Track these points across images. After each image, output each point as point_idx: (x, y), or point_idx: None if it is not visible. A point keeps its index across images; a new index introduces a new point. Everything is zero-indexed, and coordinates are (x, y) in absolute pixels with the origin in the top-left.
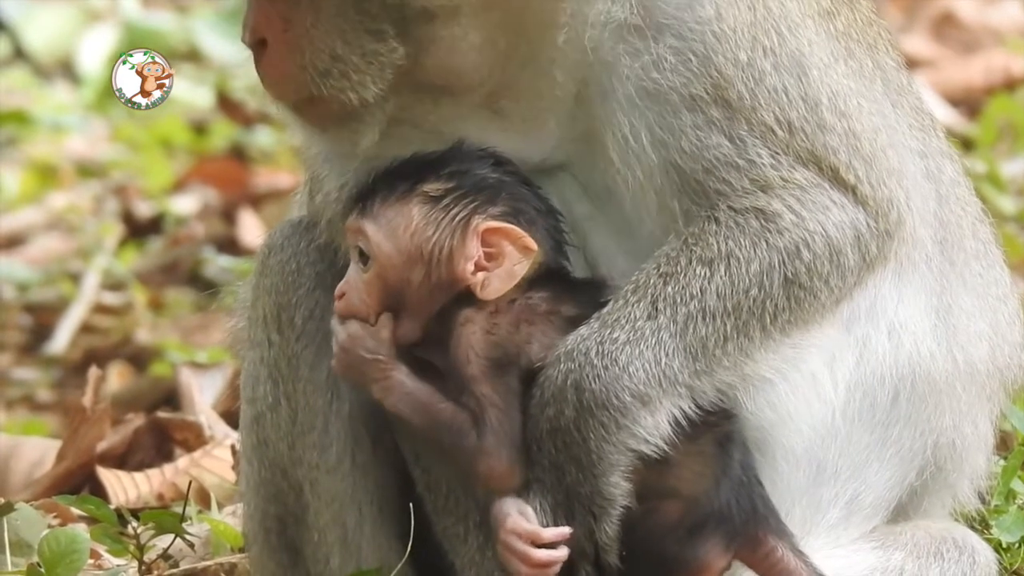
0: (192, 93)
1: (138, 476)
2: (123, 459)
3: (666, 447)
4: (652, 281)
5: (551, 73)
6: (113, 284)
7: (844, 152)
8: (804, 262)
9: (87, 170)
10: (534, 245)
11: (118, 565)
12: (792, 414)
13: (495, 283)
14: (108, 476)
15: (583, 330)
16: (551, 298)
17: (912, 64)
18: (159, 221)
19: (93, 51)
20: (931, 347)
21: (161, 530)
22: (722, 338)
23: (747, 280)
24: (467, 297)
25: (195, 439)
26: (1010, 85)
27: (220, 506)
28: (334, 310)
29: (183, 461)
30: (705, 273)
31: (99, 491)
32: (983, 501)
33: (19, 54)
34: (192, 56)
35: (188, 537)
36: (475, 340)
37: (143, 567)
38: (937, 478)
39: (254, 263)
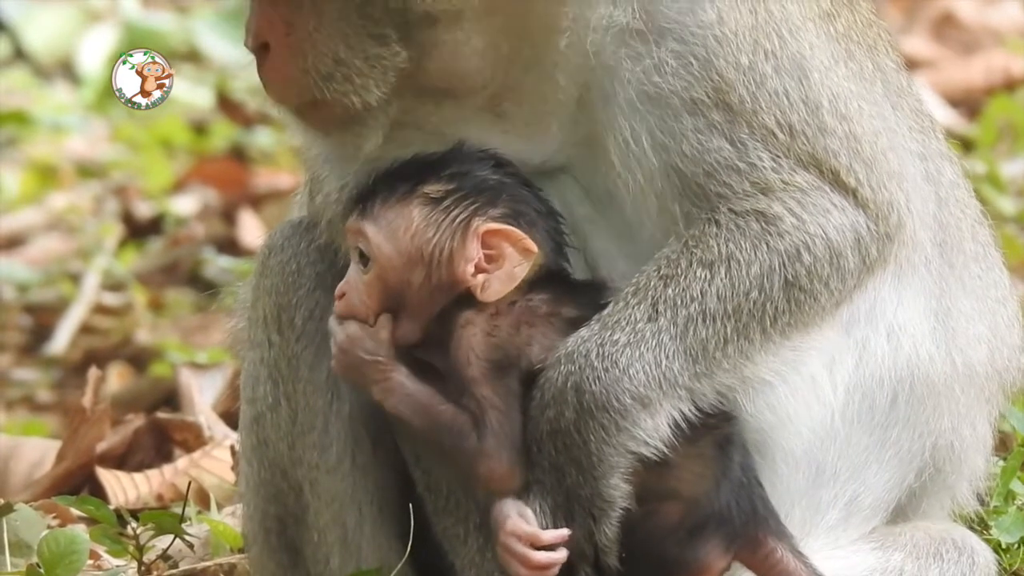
0: (192, 93)
1: (138, 477)
2: (123, 460)
3: (666, 449)
4: (652, 283)
5: (553, 77)
6: (113, 285)
7: (845, 155)
8: (804, 265)
9: (87, 170)
10: (535, 247)
11: (117, 566)
12: (792, 416)
13: (495, 285)
14: (108, 477)
15: (583, 332)
16: (551, 300)
17: (912, 65)
18: (159, 221)
19: (93, 51)
20: (930, 350)
21: (160, 531)
22: (722, 340)
23: (747, 283)
24: (467, 299)
25: (195, 440)
26: (1010, 85)
27: (220, 507)
28: (333, 310)
29: (183, 462)
30: (705, 275)
31: (99, 492)
32: (982, 502)
33: (19, 54)
34: (192, 56)
35: (187, 538)
36: (475, 342)
37: (142, 568)
38: (936, 480)
39: (254, 264)
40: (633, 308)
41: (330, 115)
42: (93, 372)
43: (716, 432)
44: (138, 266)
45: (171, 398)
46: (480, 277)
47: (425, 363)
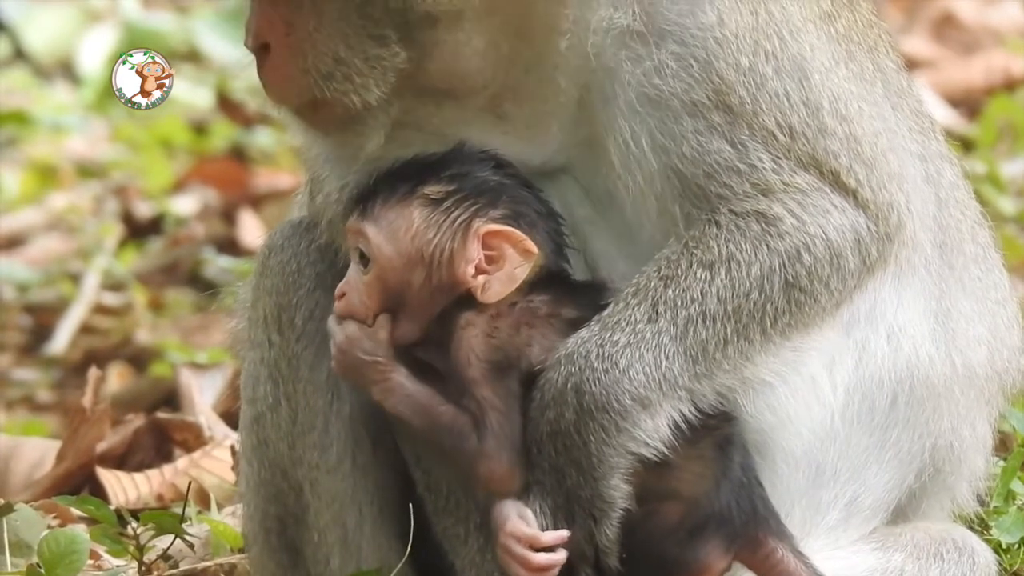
0: (192, 94)
1: (138, 477)
2: (123, 460)
3: (666, 450)
4: (652, 284)
5: (554, 78)
6: (113, 285)
7: (845, 156)
8: (805, 265)
9: (87, 170)
10: (535, 248)
11: (118, 566)
12: (792, 417)
13: (496, 286)
14: (108, 477)
15: (583, 333)
16: (552, 301)
17: (912, 65)
18: (159, 221)
19: (93, 51)
20: (930, 351)
21: (161, 531)
22: (722, 341)
23: (747, 283)
24: (467, 300)
25: (195, 440)
26: (1010, 86)
27: (220, 507)
28: (333, 311)
29: (183, 462)
30: (705, 276)
31: (99, 492)
32: (982, 503)
33: (19, 54)
34: (192, 57)
35: (188, 538)
36: (476, 343)
37: (143, 568)
38: (936, 480)
39: (254, 264)
40: (633, 309)
41: (331, 115)
42: (93, 372)
43: (716, 433)
44: (138, 266)
45: (171, 398)
46: (481, 278)
47: (425, 364)
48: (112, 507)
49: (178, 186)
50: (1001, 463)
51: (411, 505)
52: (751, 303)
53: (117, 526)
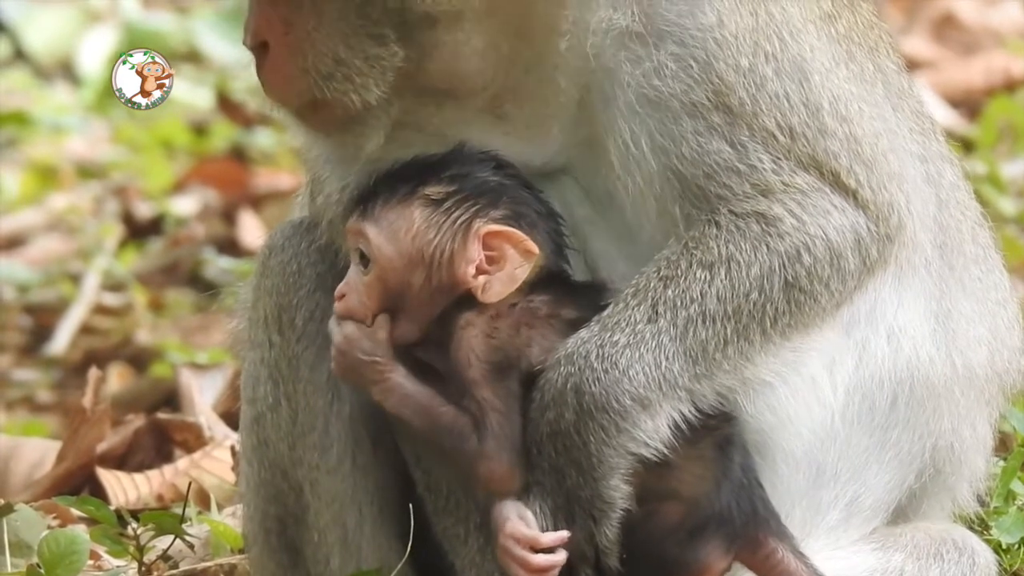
0: (192, 94)
1: (138, 477)
2: (123, 460)
3: (666, 450)
4: (652, 284)
5: (554, 79)
6: (113, 285)
7: (845, 157)
8: (804, 266)
9: (87, 171)
10: (536, 248)
11: (118, 566)
12: (792, 417)
13: (496, 287)
14: (108, 477)
15: (583, 333)
16: (552, 301)
17: (912, 65)
18: (159, 222)
19: (93, 52)
20: (930, 351)
21: (161, 531)
22: (722, 342)
23: (747, 284)
24: (468, 300)
25: (195, 440)
26: (1010, 86)
27: (220, 507)
28: (333, 311)
29: (183, 462)
30: (705, 277)
31: (99, 492)
32: (982, 503)
33: (19, 55)
34: (192, 57)
35: (188, 538)
36: (476, 343)
37: (143, 568)
38: (936, 481)
39: (255, 264)
40: (633, 309)
41: (331, 116)
42: (93, 372)
43: (716, 433)
44: (138, 266)
45: (171, 398)
46: (481, 279)
47: (426, 364)
48: (112, 507)
49: (178, 186)
50: (1001, 463)
51: (411, 505)
52: (751, 303)
53: (117, 526)
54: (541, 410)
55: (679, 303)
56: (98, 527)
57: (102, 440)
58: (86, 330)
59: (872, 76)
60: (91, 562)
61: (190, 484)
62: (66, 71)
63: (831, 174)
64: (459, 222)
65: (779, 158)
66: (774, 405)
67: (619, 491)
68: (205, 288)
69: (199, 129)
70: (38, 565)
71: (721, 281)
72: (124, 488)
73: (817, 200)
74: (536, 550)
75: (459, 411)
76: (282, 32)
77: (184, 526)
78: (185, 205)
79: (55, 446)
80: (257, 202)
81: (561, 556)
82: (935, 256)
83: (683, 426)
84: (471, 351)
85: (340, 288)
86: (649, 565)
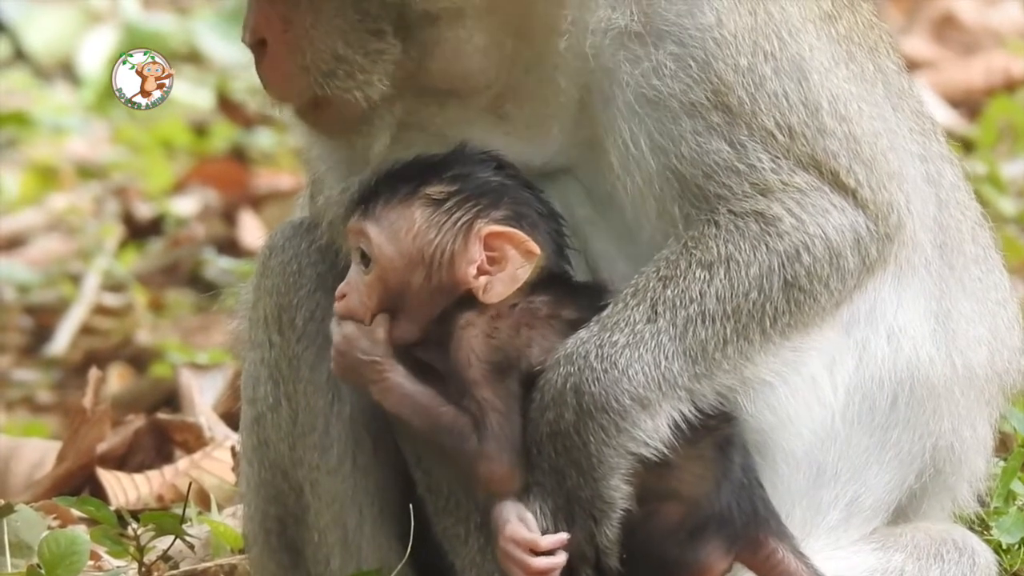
0: (192, 94)
1: (138, 477)
2: (123, 460)
3: (666, 450)
4: (651, 284)
5: (554, 79)
6: (113, 285)
7: (844, 156)
8: (804, 265)
9: (87, 171)
10: (537, 249)
11: (118, 567)
12: (792, 417)
13: (498, 287)
14: (108, 477)
15: (583, 334)
16: (552, 302)
17: (912, 65)
18: (159, 222)
19: (93, 52)
20: (930, 351)
21: (161, 531)
22: (722, 341)
23: (747, 283)
24: (468, 300)
25: (195, 440)
26: (1010, 86)
27: (220, 507)
28: (334, 311)
29: (183, 462)
30: (704, 276)
31: (99, 492)
32: (983, 503)
33: (20, 55)
34: (192, 57)
35: (188, 538)
36: (476, 344)
37: (143, 569)
38: (936, 481)
39: (255, 264)
40: (632, 309)
41: (335, 116)
42: (93, 373)
43: (716, 433)
44: (138, 267)
45: (172, 399)
46: (482, 279)
47: (426, 364)
48: (112, 508)
49: (178, 187)
50: (1001, 464)
51: (411, 506)
52: (750, 303)
53: (117, 527)
54: (541, 410)
55: (678, 303)
56: (98, 527)
57: (102, 440)
58: (86, 330)
59: (872, 76)
60: (91, 562)
61: (190, 484)
62: (66, 71)
63: (830, 173)
64: (460, 222)
65: (778, 157)
66: (774, 405)
67: (619, 491)
68: (205, 288)
69: (199, 129)
70: (38, 565)
71: (720, 281)
72: (124, 488)
73: (816, 199)
74: (536, 553)
75: (459, 411)
76: (280, 29)
77: (184, 526)
78: (185, 205)
79: (55, 446)
80: (257, 202)
81: (561, 558)
82: (935, 256)
83: (683, 426)
84: (471, 351)
85: (341, 288)
86: (649, 565)
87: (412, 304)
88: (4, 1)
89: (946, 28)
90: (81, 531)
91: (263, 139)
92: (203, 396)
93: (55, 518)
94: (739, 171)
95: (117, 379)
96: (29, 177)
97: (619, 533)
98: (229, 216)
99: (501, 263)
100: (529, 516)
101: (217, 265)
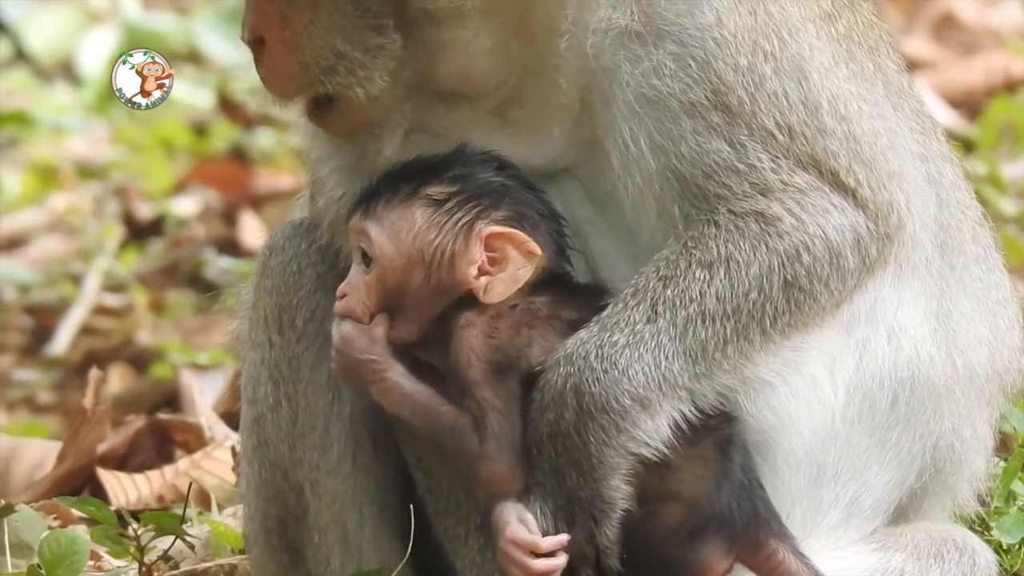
0: (193, 95)
1: (138, 478)
2: (123, 461)
3: (667, 450)
4: (651, 285)
5: (555, 79)
6: (114, 286)
7: (844, 156)
8: (804, 265)
9: (88, 171)
10: (538, 250)
11: (118, 567)
12: (792, 417)
13: (499, 287)
14: (108, 478)
15: (582, 334)
16: (552, 302)
17: (913, 65)
18: (160, 223)
19: (94, 52)
20: (930, 351)
21: (161, 532)
22: (722, 341)
23: (747, 283)
24: (468, 300)
25: (195, 441)
26: (1010, 86)
27: (220, 507)
28: (334, 311)
29: (183, 463)
30: (704, 276)
31: (99, 493)
32: (983, 503)
33: (20, 55)
34: (193, 57)
35: (188, 539)
36: (476, 344)
37: (143, 569)
38: (936, 481)
39: (255, 264)
40: (632, 309)
41: (342, 116)
42: (94, 373)
43: (717, 433)
44: (139, 267)
45: (172, 399)
46: (483, 279)
47: (427, 364)
48: (113, 508)
49: (179, 187)
50: (1002, 464)
51: (412, 506)
52: (750, 303)
53: (118, 527)
54: (541, 411)
55: (678, 303)
56: (99, 528)
57: (103, 441)
58: (87, 331)
59: (872, 75)
60: (91, 563)
61: (191, 485)
62: (66, 71)
63: (830, 173)
64: (461, 223)
65: (778, 157)
66: (774, 405)
67: (619, 491)
68: (206, 289)
69: (199, 129)
70: (39, 566)
71: (720, 281)
72: (125, 489)
73: (816, 199)
74: (537, 554)
75: (459, 411)
76: (279, 26)
77: (185, 527)
78: (186, 206)
79: (56, 447)
80: (258, 203)
81: (562, 559)
82: (935, 255)
83: (683, 426)
84: (471, 351)
85: (341, 287)
86: (650, 566)
87: (412, 304)
88: (4, 1)
89: (946, 28)
90: (81, 531)
91: (263, 139)
92: (203, 396)
93: (55, 518)
94: (739, 171)
95: (117, 379)
96: (29, 177)
97: (619, 533)
98: (229, 216)
99: (502, 263)
100: (529, 517)
101: (217, 265)
